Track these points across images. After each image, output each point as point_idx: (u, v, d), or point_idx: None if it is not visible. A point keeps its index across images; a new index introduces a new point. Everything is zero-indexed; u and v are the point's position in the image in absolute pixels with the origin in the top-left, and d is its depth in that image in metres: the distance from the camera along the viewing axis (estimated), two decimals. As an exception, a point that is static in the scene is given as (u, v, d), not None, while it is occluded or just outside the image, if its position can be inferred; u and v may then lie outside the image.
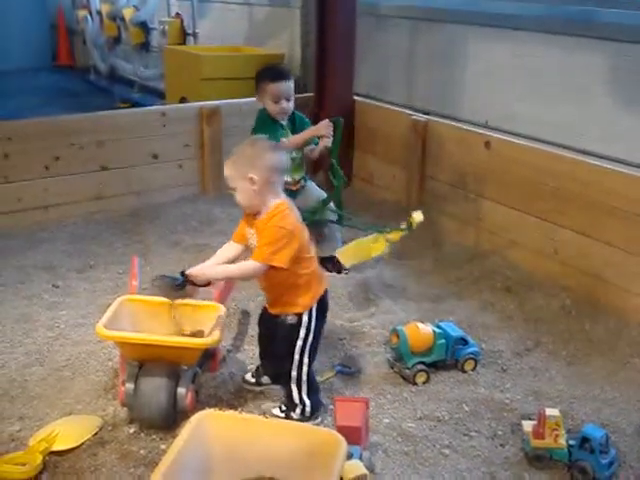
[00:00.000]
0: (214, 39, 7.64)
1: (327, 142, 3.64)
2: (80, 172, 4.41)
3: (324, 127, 3.62)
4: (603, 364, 3.10)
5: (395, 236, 3.48)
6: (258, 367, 2.82)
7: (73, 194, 4.40)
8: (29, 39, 11.28)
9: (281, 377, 2.63)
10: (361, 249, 3.53)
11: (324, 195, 3.86)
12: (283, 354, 2.55)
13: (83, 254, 4.00)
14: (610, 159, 3.73)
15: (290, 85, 3.66)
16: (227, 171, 2.48)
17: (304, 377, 2.57)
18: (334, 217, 3.88)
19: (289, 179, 3.67)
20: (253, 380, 2.82)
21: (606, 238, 3.48)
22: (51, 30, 11.81)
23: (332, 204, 3.86)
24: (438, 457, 2.48)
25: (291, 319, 2.53)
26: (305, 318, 2.53)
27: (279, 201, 2.48)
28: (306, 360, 2.56)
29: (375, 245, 3.49)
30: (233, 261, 2.58)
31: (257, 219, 2.48)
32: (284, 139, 3.60)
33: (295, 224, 2.47)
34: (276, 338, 2.58)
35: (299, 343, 2.54)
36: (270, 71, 3.70)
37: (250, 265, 2.43)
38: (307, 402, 2.58)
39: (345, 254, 3.57)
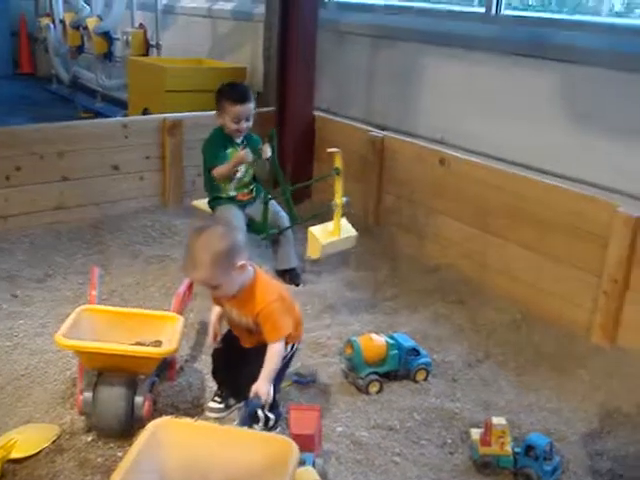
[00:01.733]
0: (177, 51, 7.67)
1: (266, 154, 3.77)
2: (41, 182, 4.41)
3: (244, 155, 3.78)
4: (550, 375, 3.20)
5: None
6: (220, 393, 2.80)
7: (33, 204, 4.40)
8: (-11, 47, 11.20)
9: (244, 396, 2.57)
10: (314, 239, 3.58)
11: (281, 211, 3.97)
12: (255, 379, 2.50)
13: (43, 264, 4.00)
14: (559, 176, 3.86)
15: (251, 107, 3.82)
16: (205, 274, 2.42)
17: (271, 398, 2.55)
18: (287, 224, 3.97)
19: (234, 193, 3.92)
20: (221, 405, 2.77)
21: (555, 253, 3.59)
22: (12, 38, 11.71)
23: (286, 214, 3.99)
24: (389, 465, 2.54)
25: None
26: (288, 349, 2.61)
27: (252, 272, 2.54)
28: (278, 385, 2.61)
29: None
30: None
31: (235, 298, 2.52)
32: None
33: (273, 285, 2.59)
34: (250, 367, 2.55)
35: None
36: (233, 92, 3.82)
37: (276, 350, 2.49)
38: (271, 416, 2.59)
39: (313, 248, 3.60)
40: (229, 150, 3.87)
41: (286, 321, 2.53)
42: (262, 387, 2.43)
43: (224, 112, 3.81)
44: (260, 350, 2.53)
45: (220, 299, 2.61)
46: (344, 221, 3.67)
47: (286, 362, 2.66)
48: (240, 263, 2.45)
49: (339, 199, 3.64)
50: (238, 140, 3.88)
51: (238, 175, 3.90)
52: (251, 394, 2.42)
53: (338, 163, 3.67)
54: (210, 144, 3.91)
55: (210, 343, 2.75)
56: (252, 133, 3.99)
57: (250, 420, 2.40)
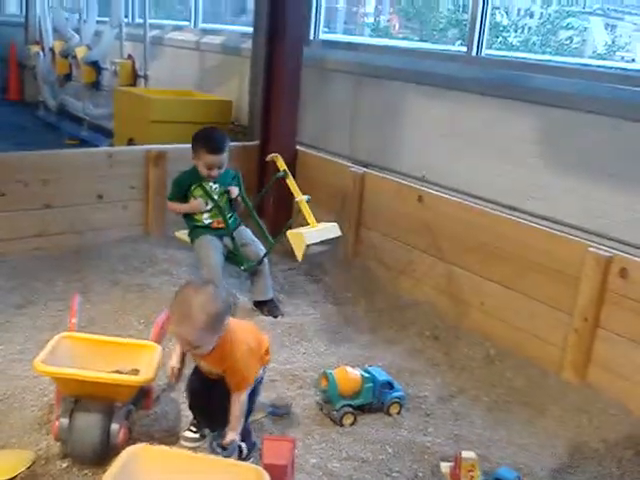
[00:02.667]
0: (165, 82, 7.76)
1: (234, 194, 4.04)
2: (24, 209, 4.45)
3: (197, 204, 4.03)
4: (522, 411, 3.25)
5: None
6: (196, 423, 2.82)
7: (16, 230, 4.42)
8: (-22, 72, 11.27)
9: (221, 426, 2.63)
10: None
11: (252, 238, 4.11)
12: (226, 410, 2.58)
13: (23, 290, 4.02)
14: (536, 216, 3.95)
15: (224, 157, 4.01)
16: (194, 334, 2.44)
17: (243, 426, 2.62)
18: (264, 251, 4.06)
19: (209, 221, 4.06)
20: (196, 435, 2.81)
21: (529, 292, 3.67)
22: (2, 64, 11.80)
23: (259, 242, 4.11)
24: (360, 496, 2.59)
25: None
26: (259, 372, 2.69)
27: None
28: (247, 412, 2.64)
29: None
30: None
31: (206, 355, 2.56)
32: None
33: (241, 332, 2.63)
34: (218, 398, 2.61)
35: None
36: (208, 142, 3.98)
37: (242, 400, 2.55)
38: (243, 445, 2.64)
39: (297, 246, 3.63)
40: (198, 186, 4.04)
41: (251, 371, 2.61)
42: (232, 438, 2.51)
43: (198, 158, 3.98)
44: (227, 394, 2.59)
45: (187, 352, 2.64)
46: (322, 223, 3.77)
47: (256, 387, 2.70)
48: (226, 323, 2.52)
49: (298, 195, 3.78)
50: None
51: (207, 208, 4.05)
52: (224, 443, 2.49)
53: (281, 165, 3.92)
54: (177, 181, 4.11)
55: (171, 382, 2.82)
56: (229, 168, 4.09)
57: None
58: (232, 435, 2.52)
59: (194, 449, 2.72)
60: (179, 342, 2.60)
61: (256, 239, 4.11)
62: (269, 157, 4.04)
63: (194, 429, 2.81)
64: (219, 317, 2.47)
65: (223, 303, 2.51)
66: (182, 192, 4.06)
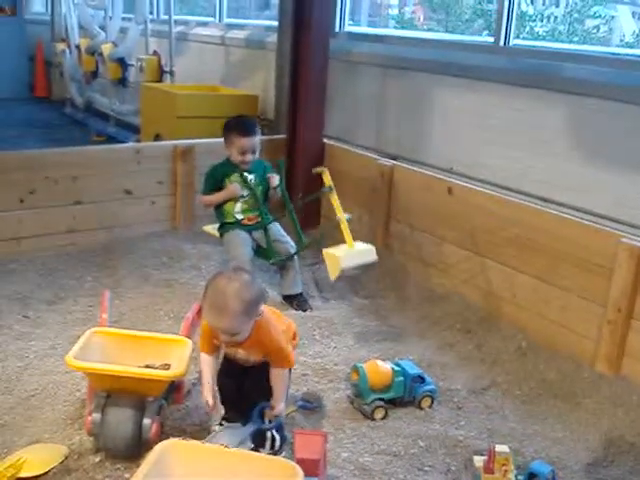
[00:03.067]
0: (191, 78, 7.77)
1: (274, 183, 3.99)
2: (54, 205, 4.48)
3: (234, 189, 3.99)
4: (555, 404, 3.21)
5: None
6: (226, 417, 2.81)
7: (46, 227, 4.46)
8: (7, 70, 11.36)
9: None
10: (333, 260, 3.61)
11: (283, 234, 4.07)
12: (260, 397, 2.60)
13: (54, 286, 4.06)
14: (568, 207, 3.90)
15: (256, 140, 3.99)
16: (232, 322, 2.45)
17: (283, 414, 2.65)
18: (293, 250, 4.04)
19: (241, 217, 4.04)
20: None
21: (561, 284, 3.62)
22: (29, 62, 11.90)
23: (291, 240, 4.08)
24: (393, 491, 2.57)
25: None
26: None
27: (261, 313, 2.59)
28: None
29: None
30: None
31: (244, 341, 2.56)
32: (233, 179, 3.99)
33: (277, 318, 2.69)
34: (251, 387, 2.66)
35: None
36: (239, 125, 4.01)
37: (285, 374, 2.64)
38: (277, 438, 2.63)
39: (332, 266, 3.62)
40: (233, 177, 4.01)
41: (292, 353, 2.68)
42: (281, 408, 2.59)
43: (231, 144, 3.99)
44: (260, 369, 2.62)
45: (225, 343, 2.63)
46: (359, 243, 3.71)
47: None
48: (260, 310, 2.54)
49: (340, 214, 3.71)
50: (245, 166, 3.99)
51: (243, 192, 4.02)
52: (274, 413, 2.55)
53: (327, 180, 3.80)
54: (211, 173, 4.09)
55: (209, 411, 2.68)
56: (263, 160, 4.09)
57: (258, 430, 2.54)
58: (280, 406, 2.57)
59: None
60: (217, 334, 2.56)
61: (287, 237, 4.10)
62: (316, 170, 3.96)
63: (224, 423, 2.81)
64: (254, 302, 2.49)
65: (257, 288, 2.53)
66: (216, 184, 4.04)
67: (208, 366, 2.66)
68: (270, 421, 2.56)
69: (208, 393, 2.61)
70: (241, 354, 2.65)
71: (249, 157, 3.98)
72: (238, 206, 4.04)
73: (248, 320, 2.49)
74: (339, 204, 3.74)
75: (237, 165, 3.99)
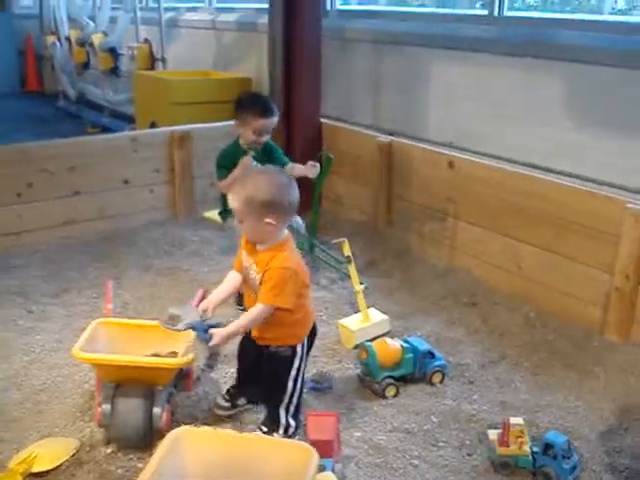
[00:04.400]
0: (183, 64, 7.72)
1: (314, 174, 3.76)
2: (52, 198, 4.45)
3: (247, 161, 3.66)
4: (566, 374, 3.19)
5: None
6: (229, 389, 2.83)
7: (46, 220, 4.44)
8: (-3, 65, 11.31)
9: (270, 401, 2.64)
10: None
11: (299, 221, 3.94)
12: (276, 384, 2.57)
13: (57, 279, 4.03)
14: (571, 176, 3.86)
15: (275, 120, 3.73)
16: (238, 203, 2.42)
17: (295, 401, 2.59)
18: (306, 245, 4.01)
19: None
20: (227, 404, 2.81)
21: (567, 252, 3.59)
22: (19, 56, 11.82)
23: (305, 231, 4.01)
24: (408, 468, 2.55)
25: (285, 351, 2.55)
26: (299, 349, 2.58)
27: (284, 238, 2.51)
28: (299, 386, 2.60)
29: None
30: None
31: (259, 250, 2.49)
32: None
33: (298, 261, 2.51)
34: (267, 369, 2.60)
35: (293, 373, 2.57)
36: (257, 105, 3.70)
37: (256, 310, 2.44)
38: (292, 423, 2.61)
39: (346, 338, 3.49)
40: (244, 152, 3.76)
41: (285, 292, 2.42)
42: (224, 333, 2.42)
43: (246, 124, 3.69)
44: (274, 356, 2.56)
45: (248, 246, 2.53)
46: (373, 309, 3.64)
47: (306, 362, 2.65)
48: (268, 220, 2.41)
49: (357, 285, 3.57)
50: (252, 150, 3.82)
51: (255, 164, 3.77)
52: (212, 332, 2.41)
53: (346, 251, 3.60)
54: (223, 155, 3.79)
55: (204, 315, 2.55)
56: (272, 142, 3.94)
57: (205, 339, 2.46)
58: (223, 332, 2.42)
59: (225, 417, 2.78)
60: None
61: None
62: (336, 241, 3.65)
63: (227, 397, 2.82)
64: (260, 204, 2.38)
65: (273, 196, 2.40)
66: (231, 163, 3.69)
67: (227, 280, 2.61)
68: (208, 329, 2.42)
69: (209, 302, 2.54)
70: (252, 271, 2.50)
71: (264, 138, 3.73)
72: None
73: (248, 213, 2.40)
74: (356, 275, 3.59)
75: (245, 151, 3.74)
